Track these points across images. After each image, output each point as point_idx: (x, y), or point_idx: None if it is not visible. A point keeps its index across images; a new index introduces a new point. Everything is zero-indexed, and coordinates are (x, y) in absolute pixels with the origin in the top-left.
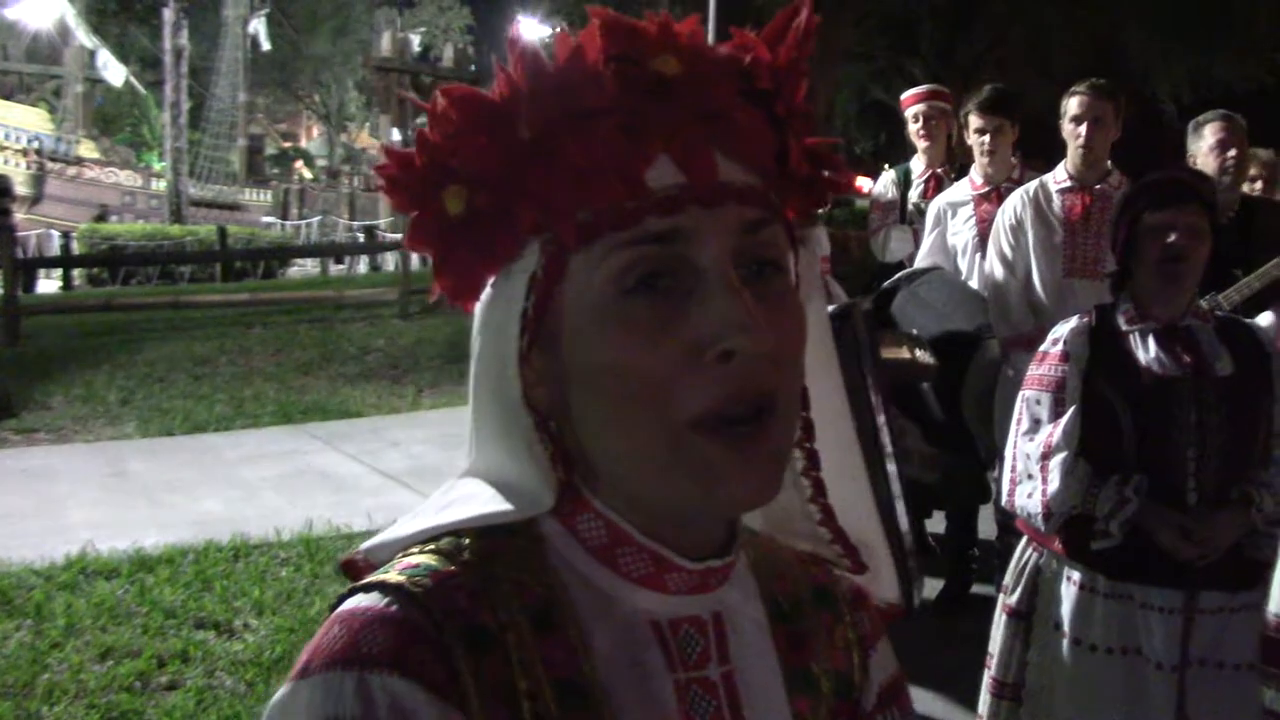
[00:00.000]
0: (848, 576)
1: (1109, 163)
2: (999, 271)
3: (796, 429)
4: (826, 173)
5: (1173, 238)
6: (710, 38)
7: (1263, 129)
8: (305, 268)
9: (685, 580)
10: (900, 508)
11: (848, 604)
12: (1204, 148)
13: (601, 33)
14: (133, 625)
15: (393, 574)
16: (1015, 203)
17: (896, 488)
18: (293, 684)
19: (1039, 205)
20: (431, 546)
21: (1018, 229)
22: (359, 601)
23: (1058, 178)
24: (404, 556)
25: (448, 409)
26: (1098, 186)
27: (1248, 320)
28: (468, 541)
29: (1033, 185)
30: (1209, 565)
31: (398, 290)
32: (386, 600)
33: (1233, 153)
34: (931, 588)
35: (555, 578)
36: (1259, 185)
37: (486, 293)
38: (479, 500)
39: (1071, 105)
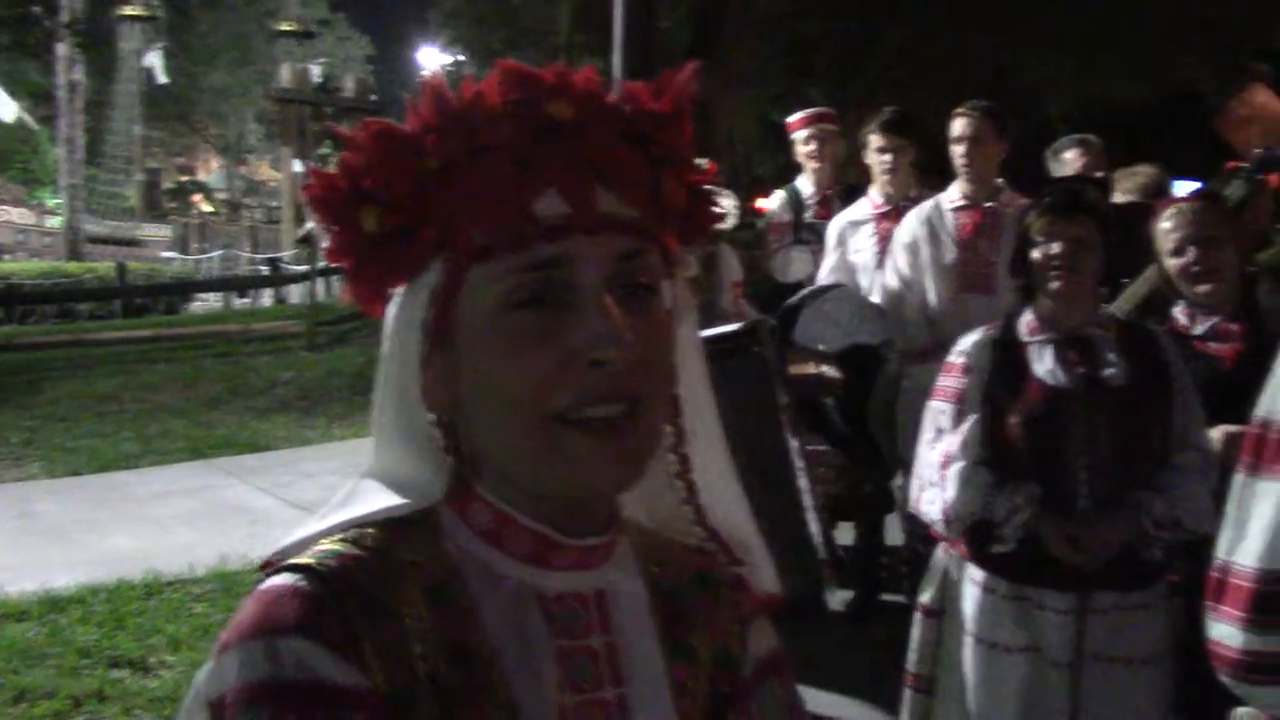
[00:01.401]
0: (727, 564)
1: (1000, 180)
2: (896, 288)
3: (661, 429)
4: (707, 207)
5: (1056, 249)
6: (616, 75)
7: (1150, 145)
8: (208, 302)
9: (568, 557)
10: (812, 520)
11: (728, 587)
12: (1065, 172)
13: (502, 78)
14: (46, 666)
15: (303, 558)
16: (911, 222)
17: (809, 501)
18: (214, 660)
19: (933, 224)
20: (339, 537)
21: (913, 247)
22: (272, 581)
23: (950, 197)
24: (315, 548)
25: (359, 439)
26: (988, 204)
27: (1151, 326)
28: (371, 531)
29: (927, 204)
30: (1102, 567)
31: (304, 322)
32: (296, 578)
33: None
34: (842, 596)
35: (449, 559)
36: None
37: (395, 301)
38: (377, 496)
39: (954, 127)
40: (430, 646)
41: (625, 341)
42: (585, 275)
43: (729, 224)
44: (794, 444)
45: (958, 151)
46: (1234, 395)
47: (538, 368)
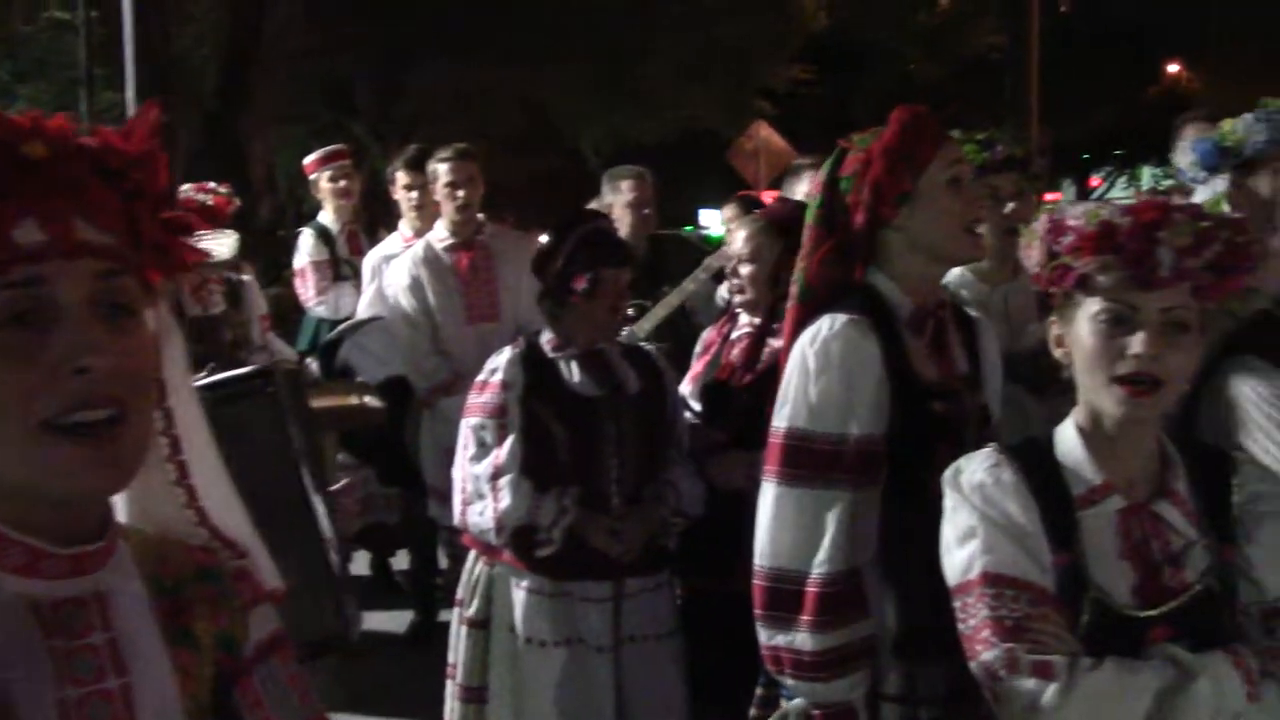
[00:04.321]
0: (231, 558)
1: (480, 215)
2: (405, 331)
3: (149, 437)
4: (184, 242)
5: (584, 284)
6: (130, 109)
7: (671, 176)
8: None
9: (60, 566)
10: (332, 555)
11: (230, 579)
12: (621, 201)
13: None
14: None
15: None
16: (407, 264)
17: (329, 533)
18: None
19: (431, 263)
20: None
21: (415, 287)
22: None
23: (439, 236)
24: None
25: None
26: (478, 238)
27: (645, 346)
28: None
29: (420, 246)
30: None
31: None
32: None
33: (646, 211)
34: (402, 620)
35: None
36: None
37: None
38: None
39: (442, 171)
40: None
41: (105, 350)
42: (66, 294)
43: (223, 256)
44: (313, 492)
45: (455, 194)
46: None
47: (25, 380)
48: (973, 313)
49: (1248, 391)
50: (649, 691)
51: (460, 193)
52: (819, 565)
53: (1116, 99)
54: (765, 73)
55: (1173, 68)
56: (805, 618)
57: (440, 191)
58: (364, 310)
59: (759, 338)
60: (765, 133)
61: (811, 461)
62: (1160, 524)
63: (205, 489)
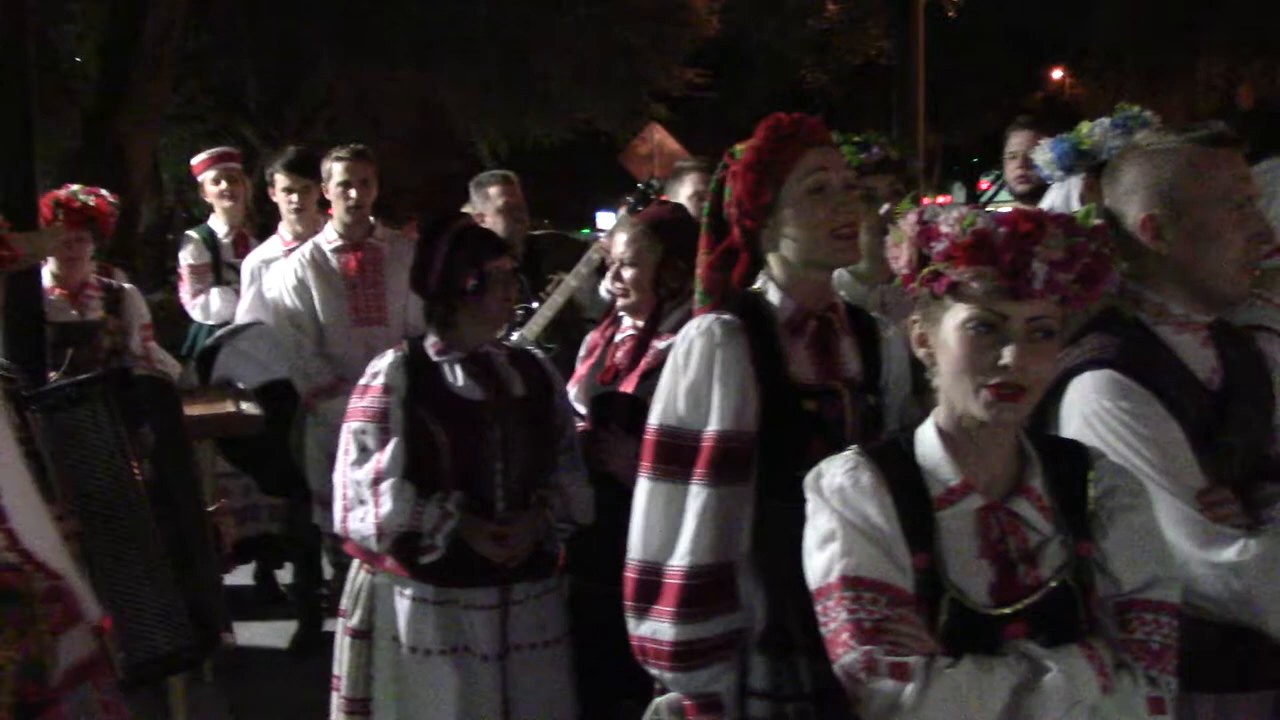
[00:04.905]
0: (43, 580)
1: (372, 218)
2: (289, 332)
3: None
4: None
5: (472, 281)
6: None
7: (569, 178)
8: None
9: None
10: (204, 565)
11: (40, 600)
12: (491, 207)
13: None
14: None
15: None
16: (294, 265)
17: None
18: None
19: (318, 264)
20: None
21: (300, 289)
22: None
23: (328, 238)
24: None
25: None
26: (369, 241)
27: (533, 350)
28: None
29: (307, 247)
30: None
31: None
32: None
33: (518, 215)
34: (288, 632)
35: None
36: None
37: None
38: None
39: (336, 171)
40: None
41: None
42: None
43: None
44: (143, 493)
45: (347, 194)
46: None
47: None
48: (878, 318)
49: (1093, 408)
50: (537, 700)
51: (353, 193)
52: (681, 558)
53: (1004, 104)
54: (660, 76)
55: (1057, 74)
56: (667, 608)
57: (332, 191)
58: (243, 315)
59: (643, 340)
60: (660, 136)
61: (677, 457)
62: (1017, 521)
63: (15, 510)
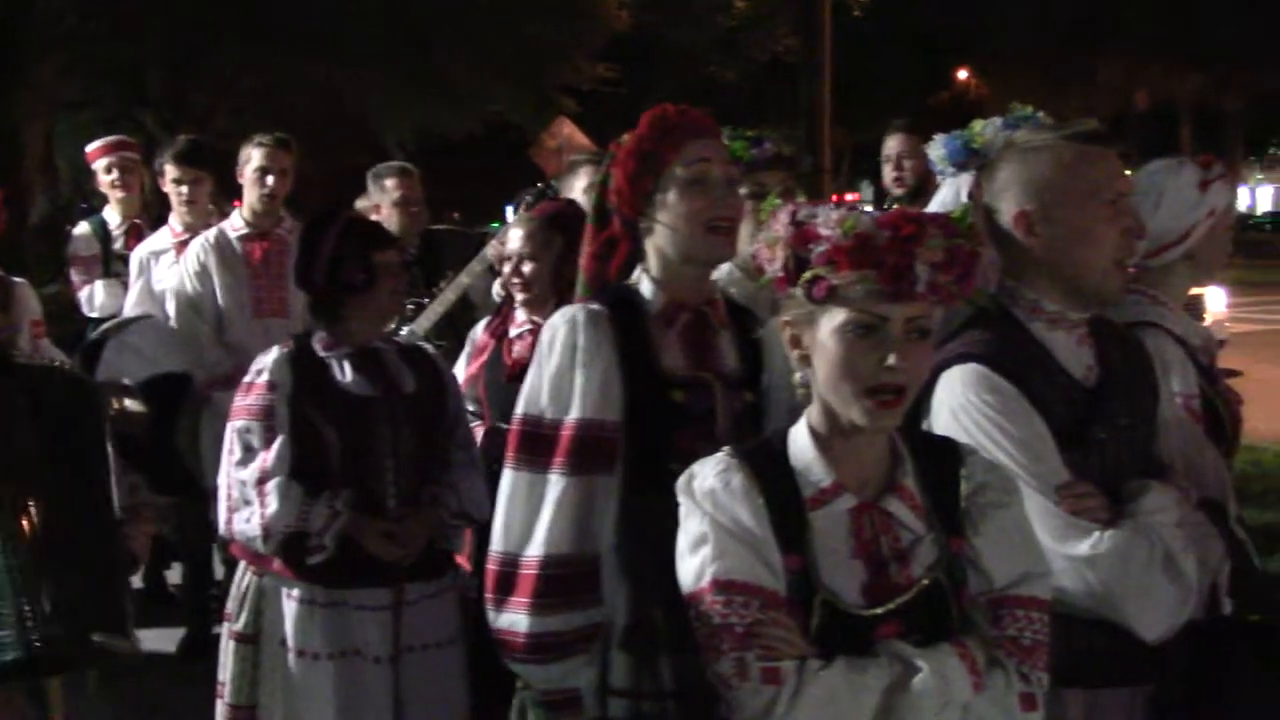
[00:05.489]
0: None
1: (282, 210)
2: (188, 317)
3: None
4: None
5: (361, 275)
6: None
7: (479, 172)
8: None
9: None
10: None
11: None
12: (387, 200)
13: None
14: None
15: None
16: (197, 250)
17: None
18: None
19: (222, 251)
20: None
21: (203, 275)
22: None
23: (235, 225)
24: None
25: None
26: (277, 231)
27: (425, 346)
28: None
29: (213, 232)
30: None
31: None
32: None
33: (414, 209)
34: (177, 636)
35: None
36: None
37: None
38: None
39: (256, 156)
40: None
41: None
42: None
43: None
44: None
45: (264, 181)
46: None
47: None
48: (759, 314)
49: (959, 402)
50: (428, 702)
51: (270, 180)
52: (535, 548)
53: (909, 103)
54: (569, 70)
55: (962, 74)
56: (523, 600)
57: (248, 176)
58: (131, 308)
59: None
60: (568, 130)
61: (539, 446)
62: (890, 521)
63: None
